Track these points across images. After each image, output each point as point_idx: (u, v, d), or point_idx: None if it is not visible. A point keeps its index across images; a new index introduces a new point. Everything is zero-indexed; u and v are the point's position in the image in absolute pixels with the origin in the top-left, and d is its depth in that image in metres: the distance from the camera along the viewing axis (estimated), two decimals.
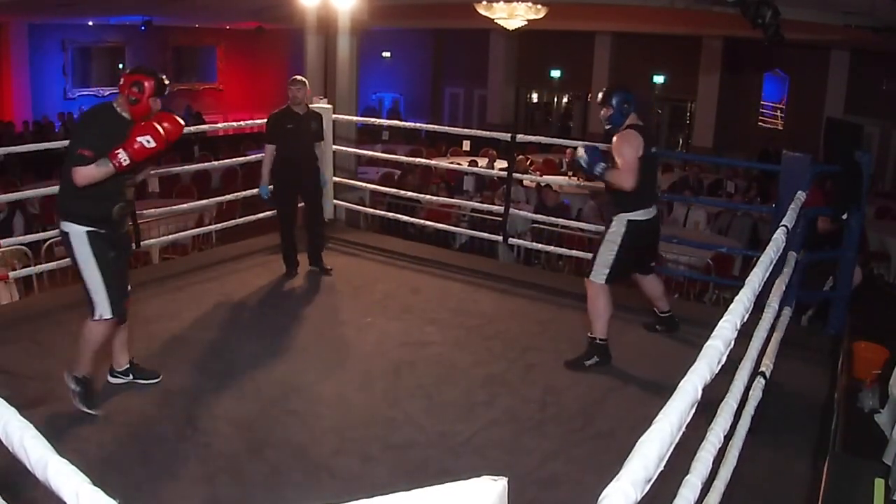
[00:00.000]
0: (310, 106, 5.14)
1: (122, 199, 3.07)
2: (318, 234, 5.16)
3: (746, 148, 13.93)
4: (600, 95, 3.72)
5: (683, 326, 4.20)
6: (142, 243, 4.96)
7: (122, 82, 2.99)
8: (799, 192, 3.41)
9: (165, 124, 3.01)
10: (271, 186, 4.97)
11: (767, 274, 2.06)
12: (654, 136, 3.95)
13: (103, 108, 3.05)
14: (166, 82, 3.06)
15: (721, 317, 1.60)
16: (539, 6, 9.39)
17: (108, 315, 3.04)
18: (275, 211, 5.32)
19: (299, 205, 5.13)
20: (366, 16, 8.13)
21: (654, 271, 4.13)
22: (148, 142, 2.89)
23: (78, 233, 2.99)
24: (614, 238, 3.70)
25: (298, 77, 5.01)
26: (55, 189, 5.81)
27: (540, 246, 5.64)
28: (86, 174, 2.86)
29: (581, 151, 3.77)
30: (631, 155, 3.54)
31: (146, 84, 2.96)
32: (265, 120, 5.02)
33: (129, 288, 3.32)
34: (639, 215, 3.71)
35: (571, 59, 16.18)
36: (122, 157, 2.86)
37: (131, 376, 3.40)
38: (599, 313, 3.73)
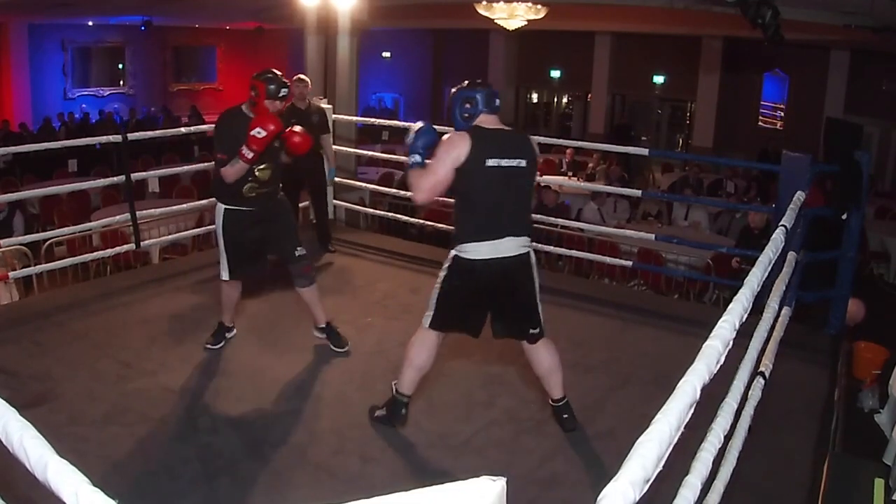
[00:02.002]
0: (311, 101, 5.43)
1: (253, 181, 3.49)
2: (323, 219, 5.65)
3: (746, 148, 13.92)
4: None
5: (684, 326, 4.20)
6: (142, 243, 4.96)
7: (250, 86, 3.44)
8: (799, 192, 3.41)
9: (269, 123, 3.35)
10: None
11: (766, 274, 2.06)
12: (513, 144, 2.82)
13: (232, 112, 3.49)
14: (283, 83, 3.41)
15: (721, 317, 1.60)
16: (539, 6, 9.39)
17: (225, 277, 3.63)
18: None
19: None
20: (366, 16, 8.13)
21: (535, 338, 3.02)
22: (259, 133, 3.29)
23: (219, 209, 3.58)
24: (441, 274, 2.95)
25: (301, 76, 5.39)
26: (55, 189, 5.91)
27: (540, 246, 5.63)
28: (227, 173, 3.40)
29: (415, 129, 2.95)
30: (438, 165, 2.78)
31: (259, 88, 3.37)
32: None
33: (300, 252, 3.68)
34: (468, 250, 2.81)
35: (571, 59, 16.18)
36: (246, 151, 3.32)
37: (326, 336, 3.86)
38: (409, 362, 3.00)
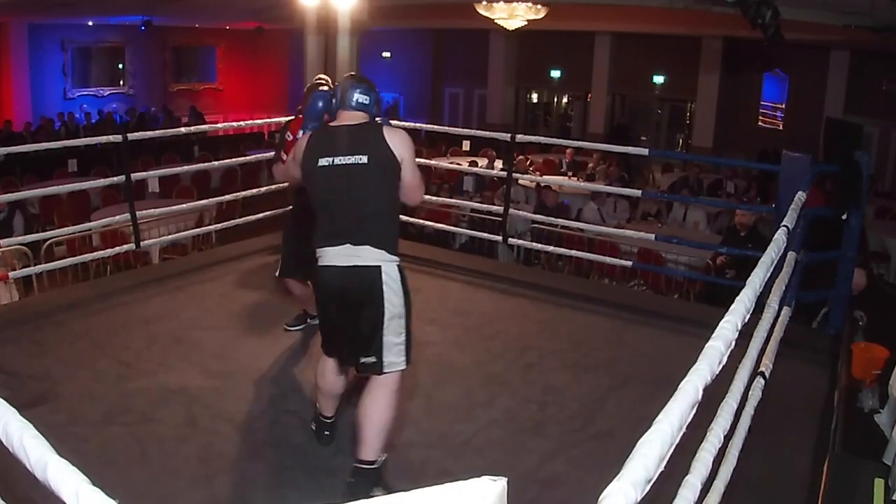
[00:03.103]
0: None
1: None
2: None
3: (746, 148, 13.92)
4: None
5: (684, 326, 4.20)
6: (142, 243, 4.96)
7: None
8: (799, 192, 3.41)
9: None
10: None
11: (768, 275, 2.06)
12: (354, 140, 2.51)
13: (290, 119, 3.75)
14: (313, 90, 3.32)
15: (721, 317, 1.60)
16: (539, 6, 9.39)
17: (276, 272, 3.88)
18: (273, 211, 5.67)
19: None
20: (366, 16, 8.14)
21: (366, 370, 2.52)
22: (288, 136, 3.50)
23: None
24: None
25: (321, 76, 5.32)
26: (55, 189, 5.91)
27: (539, 246, 5.64)
28: (274, 170, 3.62)
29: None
30: (291, 159, 2.77)
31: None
32: (266, 120, 5.31)
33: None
34: (318, 256, 2.55)
35: (571, 59, 16.17)
36: (283, 153, 3.47)
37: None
38: (316, 386, 2.87)
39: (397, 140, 2.51)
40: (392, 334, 2.48)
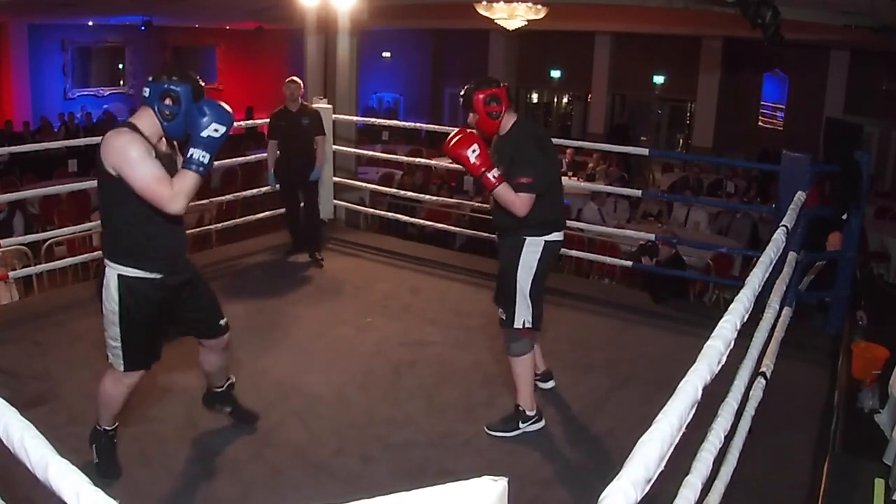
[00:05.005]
0: (305, 103, 5.41)
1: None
2: (312, 225, 5.44)
3: (746, 148, 13.92)
4: None
5: (684, 326, 4.20)
6: None
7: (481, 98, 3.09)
8: (799, 192, 3.41)
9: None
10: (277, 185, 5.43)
11: (767, 274, 2.06)
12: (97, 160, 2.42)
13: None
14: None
15: (721, 317, 1.60)
16: (539, 6, 9.38)
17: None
18: (273, 211, 5.77)
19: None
20: (366, 16, 8.13)
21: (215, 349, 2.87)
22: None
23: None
24: None
25: (294, 77, 5.37)
26: (55, 189, 5.91)
27: None
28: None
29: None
30: None
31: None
32: (265, 120, 5.39)
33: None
34: None
35: (571, 59, 16.17)
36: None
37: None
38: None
39: (107, 148, 2.37)
40: (108, 336, 2.58)
